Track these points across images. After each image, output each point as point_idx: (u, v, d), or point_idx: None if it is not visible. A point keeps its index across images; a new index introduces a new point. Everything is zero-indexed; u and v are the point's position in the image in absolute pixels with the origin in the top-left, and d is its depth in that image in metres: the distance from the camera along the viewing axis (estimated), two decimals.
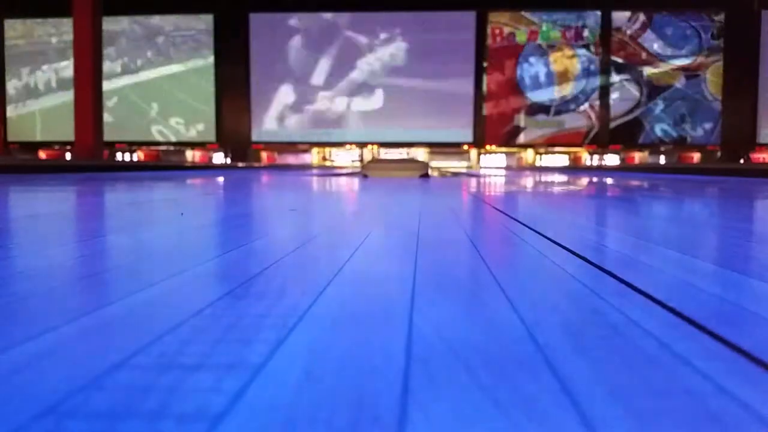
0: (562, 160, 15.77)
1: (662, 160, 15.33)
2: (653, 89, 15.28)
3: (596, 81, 15.31)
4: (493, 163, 15.81)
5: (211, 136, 16.03)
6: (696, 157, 15.29)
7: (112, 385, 0.38)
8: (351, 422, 0.34)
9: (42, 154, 15.69)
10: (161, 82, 15.81)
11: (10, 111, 16.07)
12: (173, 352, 0.45)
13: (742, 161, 14.14)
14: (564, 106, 15.45)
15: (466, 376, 0.41)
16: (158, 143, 16.00)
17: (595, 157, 15.68)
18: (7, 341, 0.47)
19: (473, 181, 5.07)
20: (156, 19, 15.75)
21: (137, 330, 0.51)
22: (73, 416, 0.34)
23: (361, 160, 13.87)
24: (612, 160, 15.58)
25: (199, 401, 0.36)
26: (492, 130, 15.62)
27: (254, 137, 15.99)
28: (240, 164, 14.40)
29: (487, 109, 15.56)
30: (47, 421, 0.33)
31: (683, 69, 15.21)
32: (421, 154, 15.37)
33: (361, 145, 15.87)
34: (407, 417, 0.34)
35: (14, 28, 16.06)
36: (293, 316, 0.56)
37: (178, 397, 0.37)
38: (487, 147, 15.74)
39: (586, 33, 15.31)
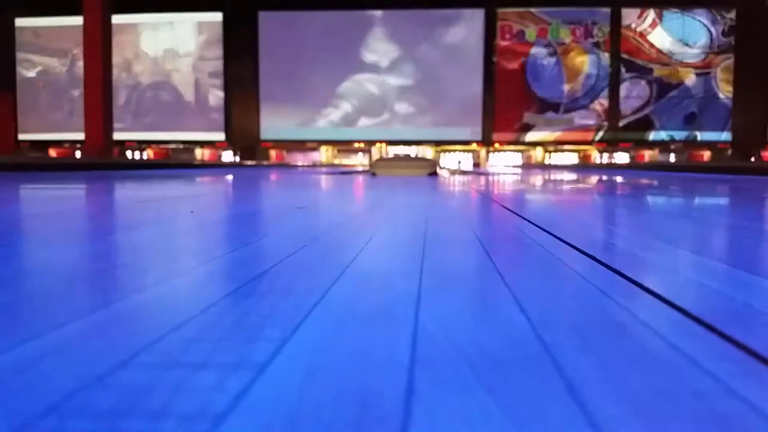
0: (572, 159, 15.70)
1: (672, 158, 15.23)
2: (663, 87, 15.18)
3: (606, 79, 15.23)
4: (501, 161, 15.76)
5: (221, 135, 16.08)
6: (706, 155, 15.18)
7: (116, 384, 0.38)
8: (355, 422, 0.33)
9: (52, 152, 15.80)
10: None
11: None
12: (178, 350, 0.45)
13: (753, 159, 14.02)
14: (573, 104, 15.38)
15: (471, 376, 0.40)
16: (168, 141, 16.07)
17: (605, 155, 15.60)
18: (12, 339, 0.47)
19: (481, 180, 5.06)
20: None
21: (142, 328, 0.51)
22: (77, 415, 0.34)
23: (370, 159, 13.86)
24: (622, 158, 15.50)
25: (203, 400, 0.36)
26: (501, 129, 15.57)
27: (263, 135, 16.03)
28: (249, 162, 14.44)
29: (495, 107, 15.51)
30: (50, 420, 0.33)
31: (693, 66, 15.10)
32: (429, 152, 15.35)
33: (370, 143, 15.87)
34: (411, 417, 0.34)
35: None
36: (299, 314, 0.56)
37: (181, 395, 0.37)
38: (496, 145, 15.70)
39: (595, 30, 15.22)
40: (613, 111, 15.26)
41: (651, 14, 15.15)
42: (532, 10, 15.37)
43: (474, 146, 15.71)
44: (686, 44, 15.10)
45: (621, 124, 15.31)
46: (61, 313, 0.56)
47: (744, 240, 1.20)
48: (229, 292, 0.66)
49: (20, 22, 16.31)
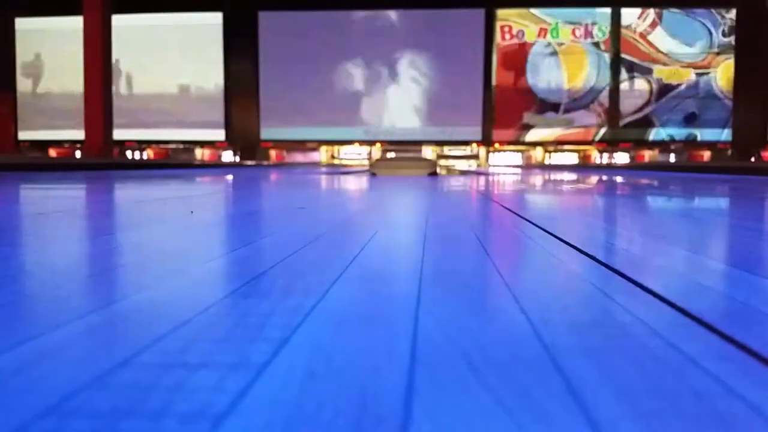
0: (572, 159, 15.70)
1: (672, 158, 15.22)
2: (663, 87, 15.17)
3: (606, 79, 15.22)
4: (501, 161, 15.76)
5: (221, 135, 16.07)
6: (706, 155, 15.17)
7: (116, 384, 0.38)
8: (355, 422, 0.33)
9: (52, 152, 15.79)
10: None
11: None
12: (177, 350, 0.45)
13: (753, 159, 14.02)
14: (573, 104, 15.37)
15: (471, 377, 0.40)
16: (168, 141, 16.06)
17: (605, 155, 15.59)
18: (11, 339, 0.47)
19: (482, 180, 5.06)
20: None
21: (142, 328, 0.51)
22: (76, 415, 0.34)
23: (370, 159, 13.86)
24: (622, 158, 15.50)
25: (203, 400, 0.36)
26: (501, 129, 15.56)
27: (263, 135, 16.01)
28: (249, 162, 14.44)
29: (495, 107, 15.51)
30: (50, 420, 0.33)
31: (694, 66, 15.09)
32: (429, 152, 15.34)
33: (370, 143, 15.87)
34: (411, 417, 0.34)
35: None
36: (298, 314, 0.56)
37: (181, 395, 0.37)
38: (496, 145, 15.70)
39: (595, 30, 15.22)
40: (613, 111, 15.24)
41: (651, 14, 15.13)
42: (532, 10, 15.36)
43: (474, 146, 15.69)
44: (686, 44, 15.09)
45: (621, 124, 15.29)
46: (61, 313, 0.56)
47: (744, 240, 1.21)
48: (229, 292, 0.66)
49: (20, 22, 16.31)
